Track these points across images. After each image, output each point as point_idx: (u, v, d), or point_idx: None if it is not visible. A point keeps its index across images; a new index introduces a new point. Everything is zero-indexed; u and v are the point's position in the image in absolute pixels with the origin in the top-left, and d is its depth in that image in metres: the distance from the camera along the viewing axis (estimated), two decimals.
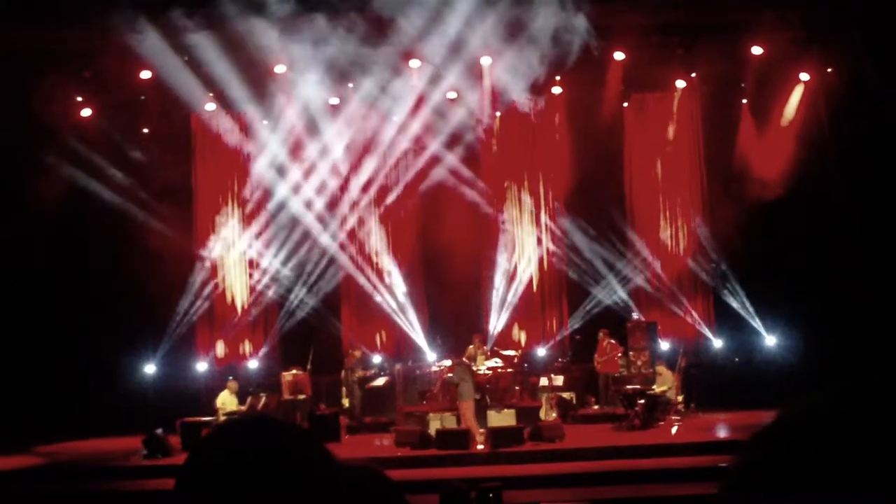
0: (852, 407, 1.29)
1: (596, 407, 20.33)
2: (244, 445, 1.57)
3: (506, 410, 18.53)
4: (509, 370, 20.16)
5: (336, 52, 20.12)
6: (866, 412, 1.27)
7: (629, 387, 19.28)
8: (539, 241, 22.98)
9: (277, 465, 1.55)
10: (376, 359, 22.24)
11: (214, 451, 1.60)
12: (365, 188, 22.77)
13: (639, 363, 20.62)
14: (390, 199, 22.92)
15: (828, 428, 1.26)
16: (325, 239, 22.50)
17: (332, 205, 22.68)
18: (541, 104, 22.42)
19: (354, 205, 22.81)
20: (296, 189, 22.38)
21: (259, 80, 21.04)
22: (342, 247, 22.69)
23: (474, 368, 19.52)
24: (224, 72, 20.57)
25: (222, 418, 17.99)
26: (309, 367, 19.90)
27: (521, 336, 22.83)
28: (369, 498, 2.01)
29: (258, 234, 22.82)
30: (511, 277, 22.77)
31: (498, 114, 22.77)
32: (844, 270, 19.93)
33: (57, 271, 20.67)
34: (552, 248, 22.93)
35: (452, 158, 22.45)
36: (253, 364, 22.50)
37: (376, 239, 22.96)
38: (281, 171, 22.37)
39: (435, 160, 22.45)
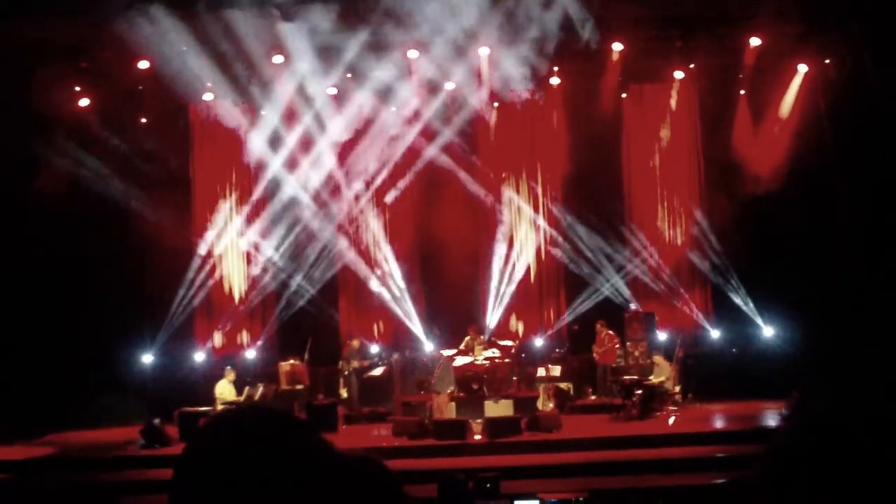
0: (856, 415, 1.30)
1: (593, 397, 20.37)
2: (242, 435, 1.58)
3: (503, 401, 18.58)
4: (507, 360, 20.21)
5: (334, 41, 20.10)
6: (870, 418, 1.28)
7: (626, 377, 19.32)
8: (537, 231, 22.97)
9: (275, 455, 1.55)
10: (374, 349, 22.26)
11: (212, 441, 1.60)
12: (363, 178, 22.75)
13: (636, 354, 20.65)
14: (388, 188, 22.90)
15: (834, 437, 1.27)
16: (323, 229, 22.50)
17: (330, 195, 22.65)
18: (539, 95, 22.38)
19: (352, 195, 22.79)
20: (294, 179, 22.36)
21: (257, 69, 21.01)
22: (340, 237, 22.69)
23: (472, 359, 19.65)
24: (222, 61, 20.54)
25: (220, 407, 18.02)
26: (306, 357, 19.91)
27: (518, 326, 22.86)
28: (368, 487, 2.01)
29: (256, 224, 22.80)
30: (509, 268, 22.77)
31: (496, 104, 22.74)
32: (842, 262, 19.94)
33: (54, 262, 20.61)
34: (550, 238, 22.92)
35: (450, 148, 22.43)
36: (251, 354, 22.51)
37: (374, 229, 22.96)
38: (279, 161, 22.34)
39: (433, 150, 22.42)
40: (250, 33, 19.78)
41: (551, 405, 18.99)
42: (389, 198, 22.90)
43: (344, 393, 20.13)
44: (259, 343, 22.74)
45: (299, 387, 19.51)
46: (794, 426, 1.37)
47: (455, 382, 18.57)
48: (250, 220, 22.82)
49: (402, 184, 22.83)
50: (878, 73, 19.34)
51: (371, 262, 22.80)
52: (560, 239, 22.75)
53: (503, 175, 23.08)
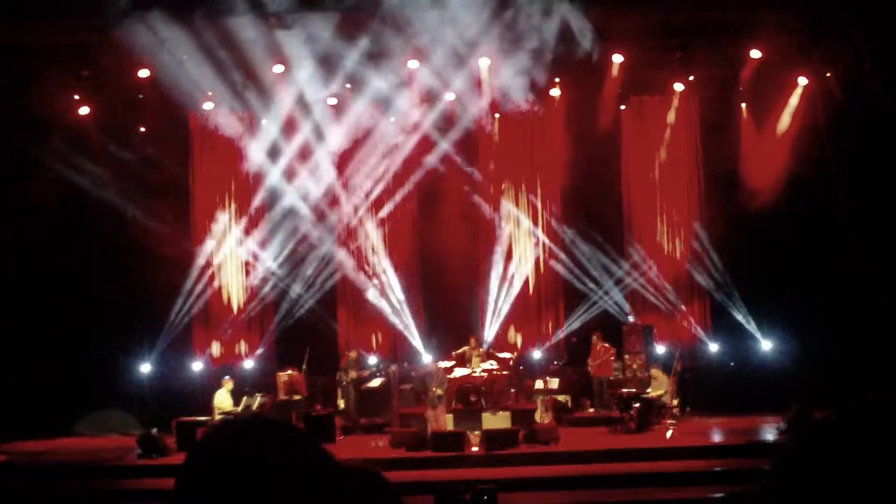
0: (859, 425, 1.30)
1: (591, 410, 20.33)
2: (244, 445, 1.57)
3: (501, 413, 18.57)
4: (505, 372, 20.19)
5: (334, 51, 20.14)
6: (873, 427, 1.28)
7: (624, 390, 19.31)
8: (536, 243, 22.97)
9: (277, 465, 1.54)
10: (372, 360, 22.24)
11: (214, 451, 1.60)
12: (362, 189, 22.77)
13: (634, 367, 20.65)
14: (387, 199, 22.92)
15: (838, 448, 1.27)
16: (322, 239, 22.50)
17: (329, 205, 22.66)
18: (539, 106, 22.41)
19: (351, 205, 22.80)
20: (293, 188, 22.38)
21: (257, 78, 21.03)
22: (339, 247, 22.69)
23: (469, 370, 19.66)
24: (222, 71, 20.56)
25: (218, 417, 18.01)
26: (304, 367, 19.90)
27: (516, 338, 22.84)
28: (367, 498, 2.01)
29: (255, 234, 22.80)
30: (507, 280, 22.77)
31: (496, 115, 22.77)
32: (841, 275, 19.94)
33: (52, 269, 20.64)
34: (549, 250, 22.91)
35: (450, 160, 22.44)
36: (249, 364, 22.49)
37: (373, 240, 22.95)
38: (278, 171, 22.36)
39: (432, 162, 22.44)
40: (250, 42, 19.82)
41: (549, 417, 18.96)
42: (384, 212, 22.90)
43: (342, 404, 20.10)
44: (257, 353, 22.74)
45: (297, 397, 19.49)
46: (796, 440, 1.36)
47: (450, 391, 18.54)
48: (249, 229, 22.83)
49: (401, 195, 22.84)
50: (878, 85, 19.35)
51: (370, 273, 22.79)
52: (559, 251, 22.73)
53: (503, 186, 23.10)
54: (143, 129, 21.98)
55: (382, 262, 22.81)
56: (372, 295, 22.58)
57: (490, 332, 22.47)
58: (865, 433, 1.28)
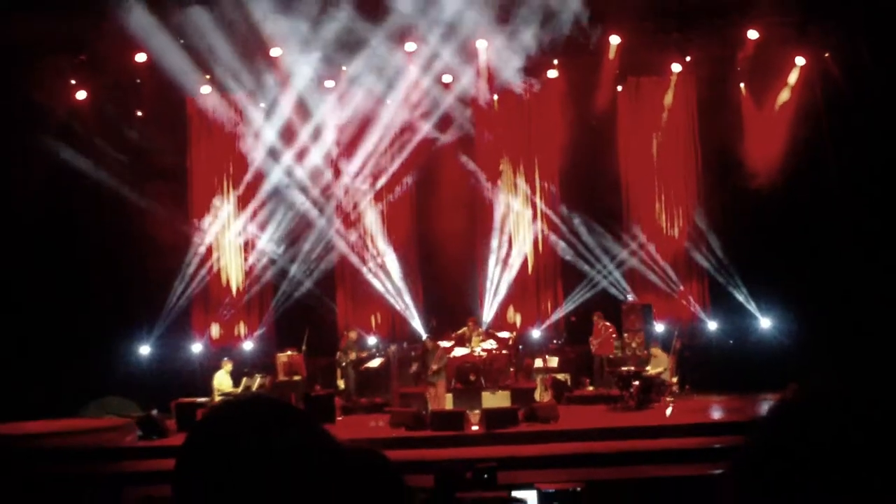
0: (846, 402, 1.30)
1: (590, 388, 20.37)
2: (245, 425, 1.58)
3: (500, 392, 18.63)
4: (504, 352, 20.24)
5: (331, 33, 20.09)
6: (861, 407, 1.28)
7: (624, 368, 19.33)
8: (534, 222, 22.96)
9: (278, 445, 1.55)
10: (371, 340, 22.28)
11: (215, 431, 1.60)
12: (360, 170, 22.74)
13: (633, 345, 20.69)
14: (385, 180, 22.89)
15: (824, 422, 1.27)
16: (320, 221, 22.50)
17: (328, 187, 22.65)
18: (536, 87, 22.36)
19: (350, 187, 22.79)
20: (291, 171, 22.36)
21: (254, 62, 20.98)
22: (337, 228, 22.68)
23: (469, 350, 19.71)
24: (219, 54, 20.51)
25: (217, 398, 18.04)
26: (304, 348, 19.93)
27: (516, 318, 22.86)
28: (370, 477, 2.02)
29: (253, 216, 22.78)
30: (506, 259, 22.77)
31: (495, 96, 22.71)
32: (839, 253, 19.95)
33: (52, 254, 20.63)
34: (547, 230, 22.91)
35: (448, 140, 22.41)
36: (248, 345, 22.52)
37: (371, 221, 22.94)
38: (276, 153, 22.33)
39: (430, 142, 22.41)
40: (248, 25, 19.75)
41: (548, 396, 19.00)
42: (383, 193, 22.89)
43: (341, 384, 20.15)
44: (257, 334, 22.77)
45: (297, 378, 19.53)
46: (768, 418, 1.37)
47: (449, 371, 18.60)
48: (247, 211, 22.81)
49: (399, 176, 22.82)
50: (875, 65, 19.32)
51: (368, 254, 22.78)
52: (557, 230, 22.73)
53: (501, 167, 23.07)
54: (140, 114, 21.95)
55: (381, 243, 22.80)
56: (371, 276, 22.58)
57: (489, 312, 22.50)
58: (836, 409, 1.29)
